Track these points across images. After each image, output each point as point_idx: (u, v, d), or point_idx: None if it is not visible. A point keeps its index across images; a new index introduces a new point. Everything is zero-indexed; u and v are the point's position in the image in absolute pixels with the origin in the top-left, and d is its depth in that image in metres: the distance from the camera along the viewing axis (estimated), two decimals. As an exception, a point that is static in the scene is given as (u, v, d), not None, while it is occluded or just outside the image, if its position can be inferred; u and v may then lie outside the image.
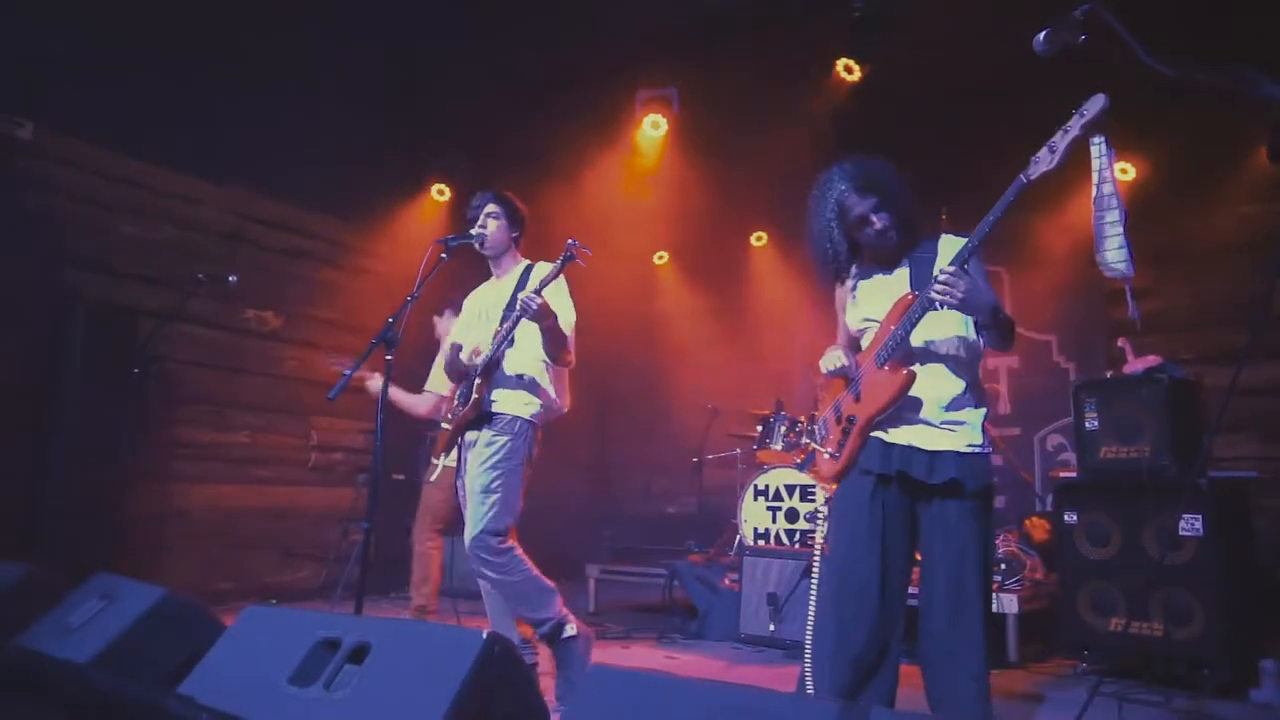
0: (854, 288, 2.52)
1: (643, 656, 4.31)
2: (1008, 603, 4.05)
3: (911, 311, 2.28)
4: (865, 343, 2.48)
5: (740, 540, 5.33)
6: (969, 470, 2.29)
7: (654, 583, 5.37)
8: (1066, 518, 3.95)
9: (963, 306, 2.20)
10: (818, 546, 2.57)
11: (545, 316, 3.05)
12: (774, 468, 5.37)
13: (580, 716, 1.59)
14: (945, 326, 2.35)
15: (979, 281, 2.27)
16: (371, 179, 6.50)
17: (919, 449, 2.31)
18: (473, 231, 3.38)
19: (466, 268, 3.67)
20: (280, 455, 6.11)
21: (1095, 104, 2.07)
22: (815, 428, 2.60)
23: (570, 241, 3.03)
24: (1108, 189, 2.21)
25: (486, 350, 3.25)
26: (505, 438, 3.18)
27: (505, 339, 3.19)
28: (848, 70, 5.45)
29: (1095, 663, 3.78)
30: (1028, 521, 4.96)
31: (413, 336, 4.85)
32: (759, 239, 7.63)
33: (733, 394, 6.72)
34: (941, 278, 2.16)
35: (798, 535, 5.11)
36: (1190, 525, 3.56)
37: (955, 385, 2.34)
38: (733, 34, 5.48)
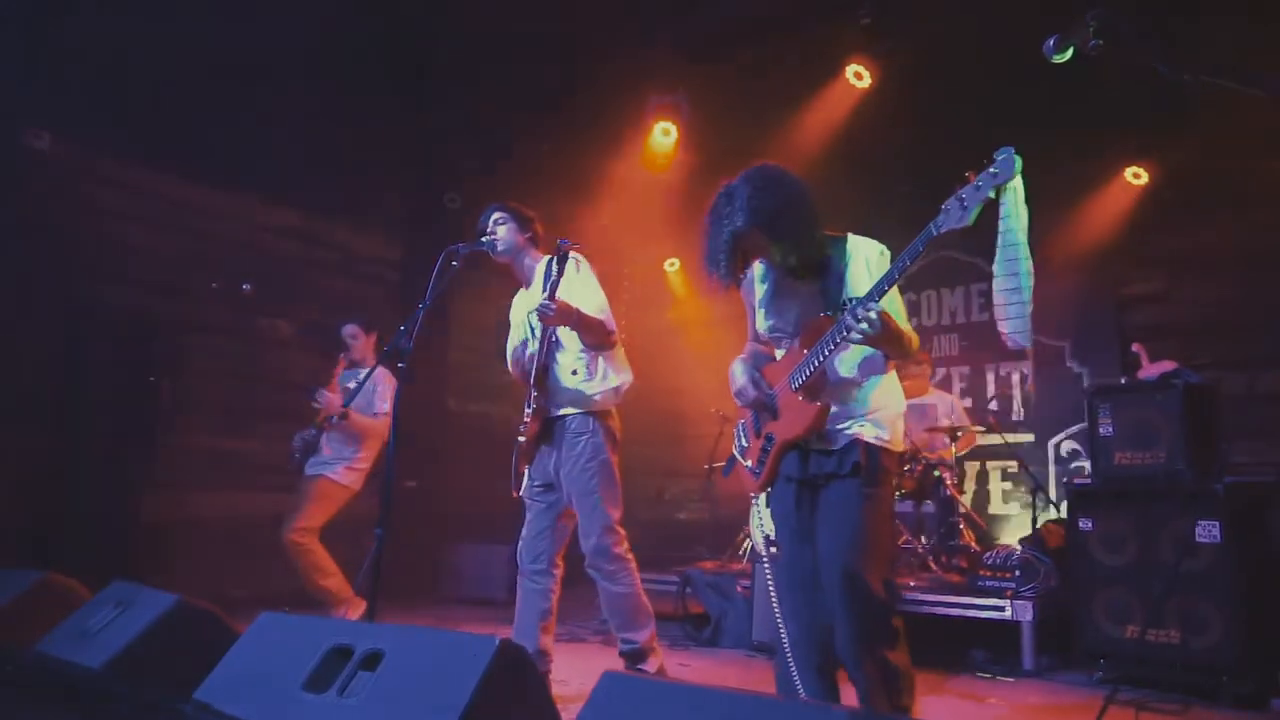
0: (763, 286, 2.54)
1: (655, 664, 4.29)
2: (1022, 610, 4.02)
3: (824, 341, 2.26)
4: (778, 354, 2.51)
5: (752, 547, 5.31)
6: (858, 455, 2.32)
7: (666, 590, 5.35)
8: (1081, 524, 3.92)
9: (878, 345, 2.21)
10: (764, 552, 2.59)
11: (566, 317, 3.09)
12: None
13: (593, 724, 1.58)
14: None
15: (893, 321, 2.17)
16: (383, 187, 6.54)
17: (830, 450, 2.36)
18: (483, 239, 3.40)
19: (494, 278, 3.69)
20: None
21: (1007, 165, 1.93)
22: (737, 432, 2.61)
23: (560, 241, 3.07)
24: (1013, 253, 2.06)
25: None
26: (583, 437, 3.24)
27: (546, 345, 3.24)
28: (857, 77, 5.45)
29: (1111, 671, 3.75)
30: (1042, 528, 4.93)
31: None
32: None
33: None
34: (862, 326, 2.10)
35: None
36: (1207, 532, 3.53)
37: (859, 388, 2.38)
38: (742, 40, 5.49)
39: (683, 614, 5.11)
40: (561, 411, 3.28)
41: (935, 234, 2.04)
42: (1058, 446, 5.97)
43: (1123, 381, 4.65)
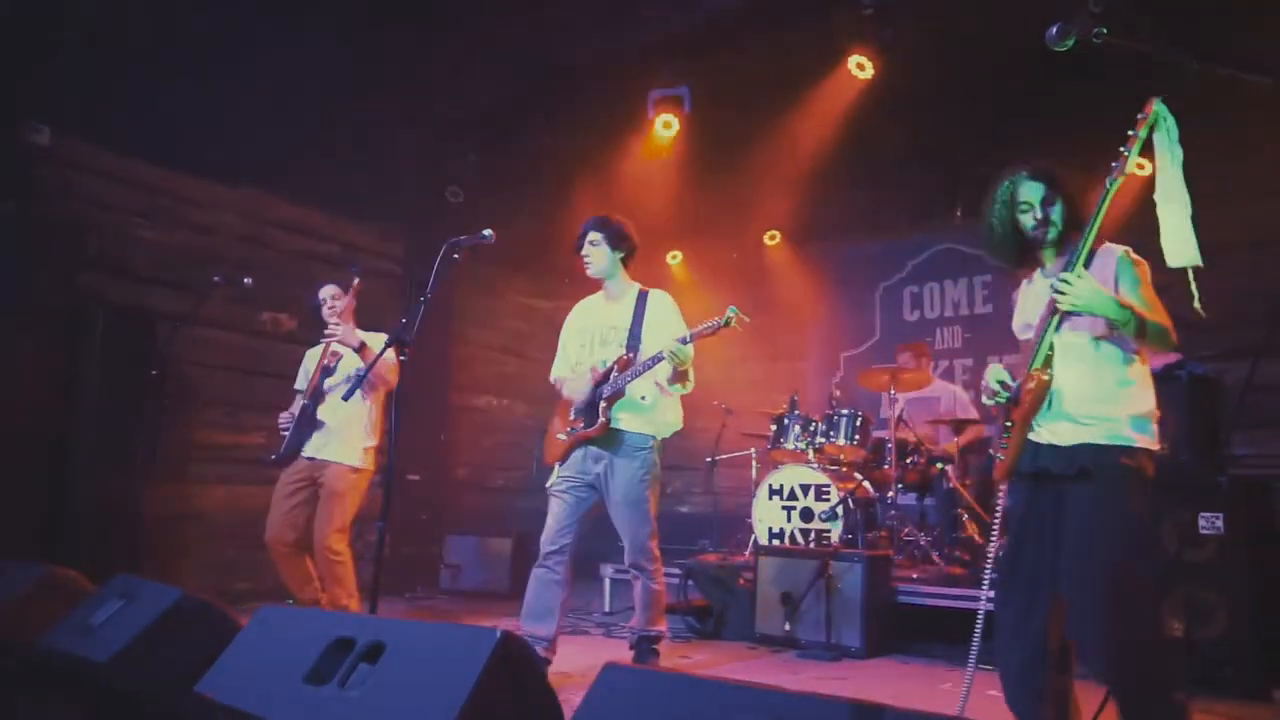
0: (1021, 294, 2.62)
1: (657, 656, 4.29)
2: (1025, 602, 4.01)
3: (1044, 318, 2.35)
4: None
5: (754, 540, 5.31)
6: (1101, 459, 2.27)
7: (668, 582, 5.35)
8: (1084, 516, 3.91)
9: (1083, 310, 2.27)
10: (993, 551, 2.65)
11: (687, 359, 3.38)
12: (788, 467, 5.35)
13: (594, 716, 1.58)
14: (1082, 325, 2.37)
15: (1098, 285, 2.28)
16: (385, 181, 6.52)
17: (1058, 446, 2.34)
18: (584, 255, 3.61)
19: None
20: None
21: (1148, 110, 2.23)
22: (998, 425, 2.64)
23: (732, 308, 3.27)
24: (1166, 178, 2.37)
25: (609, 369, 3.54)
26: (644, 452, 3.54)
27: (638, 374, 3.44)
28: (859, 68, 5.43)
29: (1115, 662, 3.73)
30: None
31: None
32: (772, 238, 7.63)
33: (746, 393, 6.70)
34: (1056, 285, 2.25)
35: (812, 535, 5.09)
36: (1210, 523, 3.52)
37: (1094, 381, 2.34)
38: (744, 32, 5.47)
39: (685, 606, 5.12)
40: (625, 426, 3.53)
41: (1110, 189, 2.27)
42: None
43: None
